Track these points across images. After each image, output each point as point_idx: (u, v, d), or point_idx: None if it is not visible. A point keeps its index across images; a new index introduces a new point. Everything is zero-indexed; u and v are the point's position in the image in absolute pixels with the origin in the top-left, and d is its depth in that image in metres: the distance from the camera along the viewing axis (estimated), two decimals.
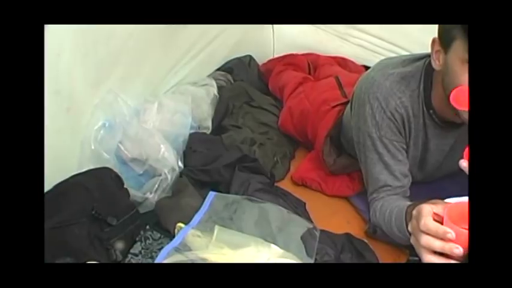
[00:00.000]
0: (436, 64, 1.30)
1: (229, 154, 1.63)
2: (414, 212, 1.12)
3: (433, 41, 1.29)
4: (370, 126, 1.40)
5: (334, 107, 1.72)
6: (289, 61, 2.32)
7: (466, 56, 1.18)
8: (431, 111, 1.39)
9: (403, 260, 1.41)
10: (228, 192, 1.49)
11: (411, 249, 1.39)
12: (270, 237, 1.33)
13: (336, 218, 1.59)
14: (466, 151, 1.20)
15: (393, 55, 1.72)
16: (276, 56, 2.40)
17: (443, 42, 1.24)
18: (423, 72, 1.38)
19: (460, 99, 1.18)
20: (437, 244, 1.03)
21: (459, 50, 1.20)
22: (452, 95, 1.18)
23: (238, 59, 2.33)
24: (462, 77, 1.20)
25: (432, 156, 1.50)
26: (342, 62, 2.32)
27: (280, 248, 1.30)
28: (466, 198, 1.19)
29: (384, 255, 1.41)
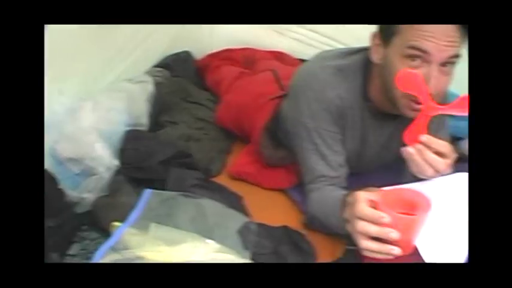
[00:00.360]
0: (375, 58, 1.32)
1: (164, 151, 1.60)
2: (349, 198, 1.13)
3: (374, 35, 1.31)
4: (306, 117, 1.40)
5: (271, 99, 1.73)
6: (226, 56, 2.33)
7: (406, 51, 1.22)
8: (369, 103, 1.41)
9: (340, 249, 1.42)
10: (164, 189, 1.48)
11: (349, 239, 1.41)
12: (206, 233, 1.31)
13: (273, 210, 1.59)
14: (407, 136, 1.23)
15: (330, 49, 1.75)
16: (213, 51, 2.39)
17: (384, 36, 1.28)
18: (361, 65, 1.40)
19: (405, 82, 1.21)
20: (373, 229, 1.05)
21: (399, 45, 1.24)
22: (398, 77, 1.21)
23: (176, 54, 2.33)
24: None
25: (370, 148, 1.53)
26: (279, 56, 2.35)
27: (217, 242, 1.30)
28: (401, 187, 1.23)
29: (322, 246, 1.42)
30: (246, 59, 2.32)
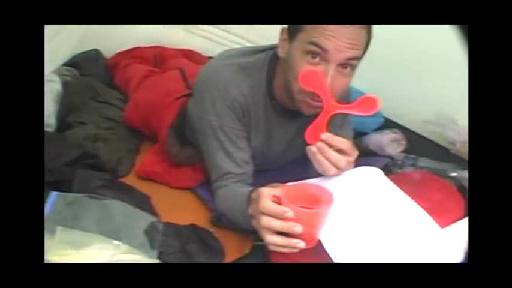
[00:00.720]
0: (280, 52, 1.35)
1: (70, 152, 1.57)
2: (253, 195, 1.16)
3: (282, 30, 1.34)
4: (210, 114, 1.41)
5: (178, 98, 1.72)
6: (136, 54, 2.31)
7: (307, 47, 1.25)
8: (273, 101, 1.44)
9: (248, 245, 1.44)
10: (70, 191, 1.46)
11: (256, 235, 1.44)
12: (113, 234, 1.31)
13: (181, 209, 1.59)
14: (309, 135, 1.26)
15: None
16: (123, 49, 2.36)
17: (291, 31, 1.31)
18: (265, 64, 1.42)
19: (308, 79, 1.24)
20: (277, 224, 1.08)
21: (302, 40, 1.27)
22: (301, 75, 1.24)
23: (85, 53, 2.28)
24: (300, 67, 1.27)
25: (276, 145, 1.56)
26: (189, 55, 2.35)
27: (124, 243, 1.30)
28: (305, 181, 1.26)
29: (230, 243, 1.43)
30: (156, 58, 2.31)
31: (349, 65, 1.28)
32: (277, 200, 1.11)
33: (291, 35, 1.31)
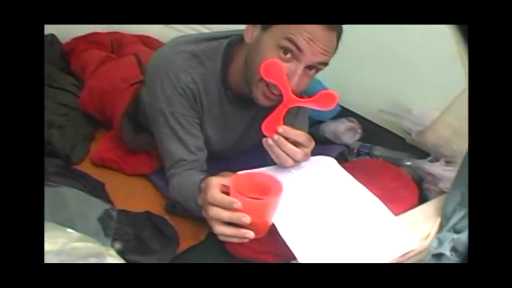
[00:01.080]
0: (248, 37, 1.33)
1: None
2: (202, 184, 1.16)
3: None
4: (161, 101, 1.40)
5: (132, 84, 1.71)
6: (92, 40, 2.26)
7: (282, 42, 1.24)
8: (228, 90, 1.44)
9: (203, 233, 1.44)
10: None
11: None
12: (67, 222, 1.28)
13: (136, 196, 1.58)
14: (265, 127, 1.26)
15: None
16: (79, 34, 2.30)
17: None
18: (219, 51, 1.41)
19: (269, 70, 1.24)
20: (226, 214, 1.08)
21: (277, 34, 1.25)
22: (263, 65, 1.24)
23: None
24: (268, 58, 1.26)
25: (230, 133, 1.56)
26: (146, 41, 2.32)
27: (78, 231, 1.28)
28: (258, 170, 1.27)
29: (184, 230, 1.43)
30: (112, 43, 2.27)
31: (316, 68, 1.29)
32: (226, 190, 1.10)
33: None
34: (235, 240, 1.12)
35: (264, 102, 1.35)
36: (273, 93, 1.31)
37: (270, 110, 1.30)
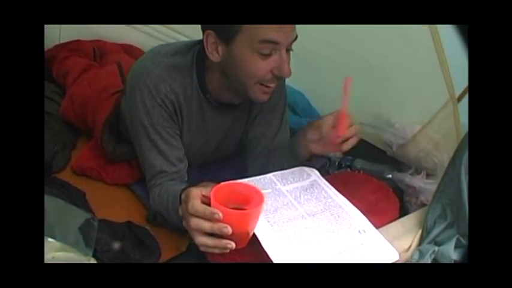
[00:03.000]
0: (214, 56, 1.33)
1: None
2: (183, 195, 1.15)
3: (207, 34, 1.31)
4: (141, 113, 1.39)
5: (113, 94, 1.70)
6: (74, 47, 2.26)
7: (258, 46, 1.26)
8: (207, 95, 1.43)
9: (185, 243, 1.43)
10: None
11: None
12: (46, 231, 1.28)
13: (117, 206, 1.57)
14: None
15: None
16: (61, 42, 2.30)
17: (222, 34, 1.29)
18: (196, 60, 1.41)
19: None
20: (207, 225, 1.08)
21: (247, 41, 1.26)
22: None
23: None
24: (255, 64, 1.29)
25: (211, 138, 1.56)
26: (129, 49, 2.32)
27: (58, 241, 1.27)
28: (240, 181, 1.26)
29: (166, 241, 1.42)
30: (95, 51, 2.26)
31: (290, 48, 1.33)
32: (207, 201, 1.10)
33: (225, 38, 1.29)
34: (217, 250, 1.12)
35: (263, 98, 1.37)
36: (269, 87, 1.34)
37: (245, 114, 1.32)
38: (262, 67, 1.29)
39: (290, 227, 1.22)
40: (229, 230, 1.06)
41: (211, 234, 1.10)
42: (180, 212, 1.16)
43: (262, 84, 1.33)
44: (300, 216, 1.26)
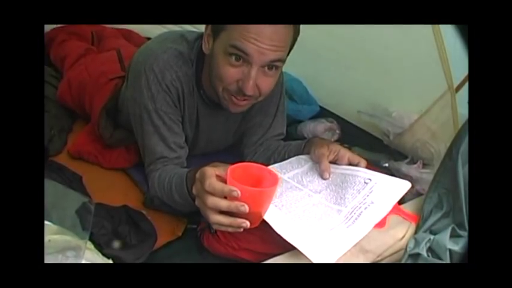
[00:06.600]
0: (205, 48, 1.33)
1: None
2: (197, 174, 1.13)
3: (207, 24, 1.30)
4: (145, 98, 1.38)
5: (111, 79, 1.69)
6: (72, 30, 2.23)
7: (229, 50, 1.22)
8: (201, 91, 1.43)
9: (181, 228, 1.44)
10: None
11: (189, 217, 1.44)
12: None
13: (113, 190, 1.57)
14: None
15: (177, 29, 1.72)
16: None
17: (214, 28, 1.27)
18: (197, 53, 1.40)
19: None
20: (224, 204, 1.06)
21: (225, 41, 1.24)
22: None
23: None
24: (222, 68, 1.26)
25: (203, 134, 1.56)
26: (127, 35, 2.31)
27: (55, 224, 1.27)
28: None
29: (162, 225, 1.42)
30: (94, 36, 2.25)
31: (273, 66, 1.27)
32: (222, 180, 1.08)
33: (214, 32, 1.28)
34: (231, 229, 1.10)
35: (234, 109, 1.35)
36: (242, 100, 1.30)
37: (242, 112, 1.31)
38: (228, 73, 1.26)
39: (299, 207, 1.22)
40: (246, 208, 1.04)
41: (225, 213, 1.09)
42: (194, 191, 1.13)
43: (231, 94, 1.30)
44: (306, 195, 1.27)
